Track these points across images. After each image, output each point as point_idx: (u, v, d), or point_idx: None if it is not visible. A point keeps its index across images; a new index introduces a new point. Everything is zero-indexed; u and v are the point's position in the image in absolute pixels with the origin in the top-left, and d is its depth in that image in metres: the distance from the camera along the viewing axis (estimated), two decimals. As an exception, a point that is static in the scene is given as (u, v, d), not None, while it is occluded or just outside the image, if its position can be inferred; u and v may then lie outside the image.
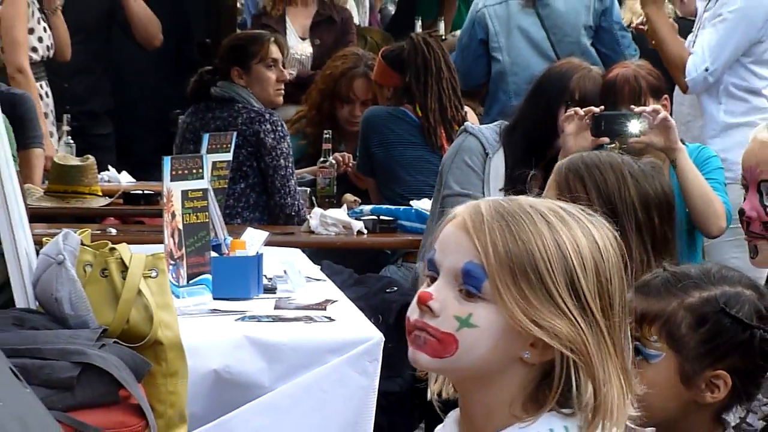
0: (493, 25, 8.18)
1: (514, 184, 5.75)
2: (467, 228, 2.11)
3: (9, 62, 8.54)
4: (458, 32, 9.73)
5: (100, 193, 7.72)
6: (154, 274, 4.21)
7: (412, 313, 2.13)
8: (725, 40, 6.99)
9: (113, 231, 6.80)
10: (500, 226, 2.09)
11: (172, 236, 5.34)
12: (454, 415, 2.32)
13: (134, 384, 3.77)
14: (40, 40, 8.79)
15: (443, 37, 8.69)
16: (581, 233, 2.15)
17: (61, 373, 3.70)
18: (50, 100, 9.31)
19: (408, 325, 2.14)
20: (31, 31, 8.67)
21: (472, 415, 2.23)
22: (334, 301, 5.54)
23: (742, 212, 3.77)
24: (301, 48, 8.93)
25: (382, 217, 7.02)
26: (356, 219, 6.89)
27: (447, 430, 2.32)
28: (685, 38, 7.39)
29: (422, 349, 2.12)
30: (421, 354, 2.10)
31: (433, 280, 2.12)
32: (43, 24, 8.84)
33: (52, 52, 9.14)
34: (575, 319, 2.05)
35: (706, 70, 6.95)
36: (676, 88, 7.16)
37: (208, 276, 5.34)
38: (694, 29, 7.52)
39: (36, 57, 8.80)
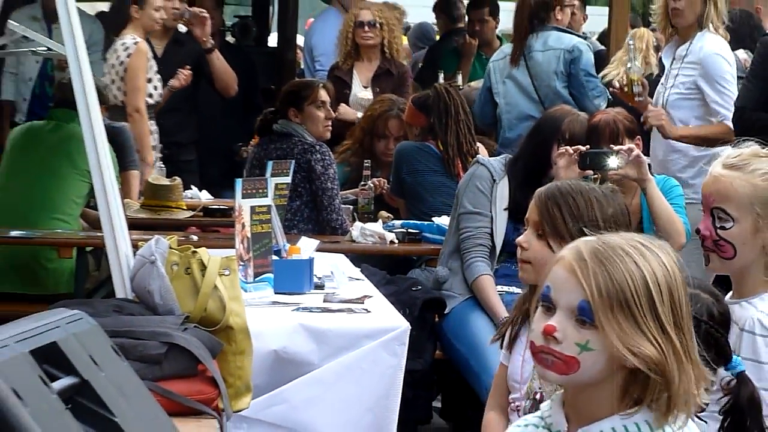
0: (495, 75, 8.41)
1: (515, 205, 5.94)
2: (575, 272, 2.23)
3: (129, 103, 8.67)
4: (473, 83, 9.93)
5: (185, 207, 7.91)
6: (227, 272, 4.24)
7: (537, 339, 2.25)
8: (727, 92, 7.31)
9: (195, 238, 6.85)
10: (600, 269, 2.22)
11: (242, 243, 5.48)
12: (557, 398, 2.42)
13: (210, 360, 3.82)
14: (155, 87, 8.92)
15: (460, 87, 8.81)
16: (657, 263, 2.25)
17: (151, 351, 3.77)
18: (157, 135, 9.43)
19: (533, 348, 2.28)
20: (149, 80, 8.83)
21: (578, 407, 2.33)
22: (370, 297, 5.61)
23: (698, 231, 3.80)
24: (363, 94, 9.02)
25: (409, 230, 7.16)
26: (389, 231, 7.02)
27: (553, 411, 2.42)
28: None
29: (550, 368, 2.26)
30: (551, 372, 2.25)
31: (547, 310, 2.24)
32: (158, 75, 8.99)
33: (161, 98, 9.35)
34: (656, 339, 2.18)
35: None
36: (653, 130, 7.15)
37: (270, 275, 5.42)
38: (663, 81, 7.48)
39: (150, 101, 8.95)
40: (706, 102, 6.82)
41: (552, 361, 2.23)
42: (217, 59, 9.49)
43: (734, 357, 3.29)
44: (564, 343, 2.20)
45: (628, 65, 7.37)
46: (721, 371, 3.19)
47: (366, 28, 9.14)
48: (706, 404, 2.59)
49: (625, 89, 7.14)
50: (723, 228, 3.57)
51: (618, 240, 2.32)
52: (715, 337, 3.15)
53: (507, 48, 8.74)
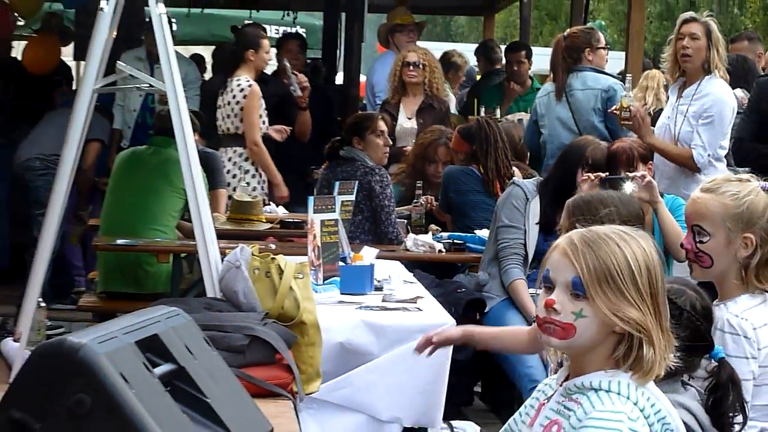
0: (540, 109, 8.57)
1: (545, 219, 6.09)
2: (568, 254, 2.44)
3: (248, 138, 8.86)
4: (509, 116, 10.23)
5: (264, 221, 7.97)
6: (300, 276, 4.30)
7: (541, 312, 2.47)
8: (714, 134, 7.18)
9: (273, 246, 6.77)
10: (588, 251, 2.44)
11: (313, 251, 5.56)
12: (565, 366, 2.66)
13: (286, 350, 3.91)
14: (264, 122, 9.10)
15: (499, 120, 8.95)
16: (636, 246, 2.44)
17: (236, 342, 3.82)
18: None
19: (538, 320, 2.50)
20: (260, 116, 9.00)
21: (576, 368, 2.54)
22: (422, 297, 5.63)
23: (682, 245, 3.99)
24: (408, 125, 9.28)
25: (455, 241, 7.32)
26: (438, 242, 7.18)
27: (561, 372, 2.66)
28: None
29: (552, 335, 2.46)
30: (553, 339, 2.45)
31: (548, 289, 2.45)
32: (265, 111, 9.19)
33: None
34: (638, 305, 2.38)
35: (710, 155, 7.15)
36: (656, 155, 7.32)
37: (337, 278, 5.49)
38: (667, 114, 7.63)
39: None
40: None
41: (553, 328, 2.43)
42: (304, 115, 9.77)
43: (716, 346, 3.37)
44: (562, 313, 2.40)
45: (623, 94, 7.70)
46: (704, 362, 3.30)
47: (411, 68, 9.34)
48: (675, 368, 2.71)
49: (617, 113, 7.41)
50: (701, 242, 3.66)
51: (604, 229, 2.55)
52: (695, 324, 3.21)
53: (549, 86, 8.81)
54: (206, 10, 15.97)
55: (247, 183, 9.22)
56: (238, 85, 9.06)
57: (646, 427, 2.41)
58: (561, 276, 2.42)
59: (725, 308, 3.56)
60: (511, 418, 2.89)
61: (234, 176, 9.27)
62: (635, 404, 2.39)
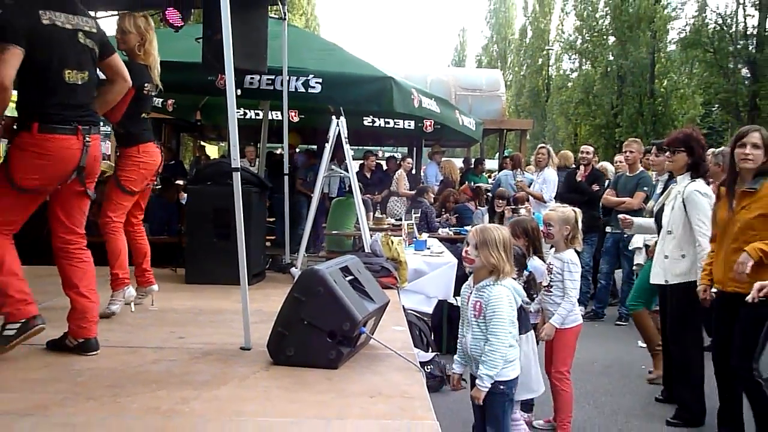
0: None
1: None
2: (473, 233, 3.64)
3: None
4: None
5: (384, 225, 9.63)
6: (399, 242, 6.22)
7: (463, 254, 3.63)
8: (551, 188, 9.51)
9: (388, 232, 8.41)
10: (480, 233, 3.62)
11: (406, 235, 7.40)
12: (470, 279, 3.73)
13: (394, 270, 5.96)
14: None
15: None
16: (503, 233, 3.64)
17: (375, 267, 5.69)
18: None
19: (464, 258, 3.64)
20: None
21: (477, 279, 3.63)
22: (443, 252, 7.35)
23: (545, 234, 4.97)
24: None
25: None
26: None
27: (469, 283, 3.74)
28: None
29: (467, 264, 3.63)
30: (467, 265, 3.63)
31: (467, 245, 3.63)
32: None
33: None
34: (496, 255, 3.56)
35: (549, 198, 9.29)
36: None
37: (413, 245, 7.22)
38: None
39: None
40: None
41: (466, 260, 3.65)
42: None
43: (528, 266, 4.78)
44: (471, 255, 3.63)
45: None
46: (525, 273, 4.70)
47: None
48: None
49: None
50: (549, 230, 4.83)
51: (492, 226, 3.75)
52: (520, 260, 4.50)
53: None
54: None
55: None
56: None
57: (511, 294, 3.66)
58: (471, 242, 3.65)
59: (557, 255, 4.84)
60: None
61: None
62: (505, 287, 3.64)
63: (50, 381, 3.38)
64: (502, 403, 3.66)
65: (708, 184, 5.38)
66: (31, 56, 3.60)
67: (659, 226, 5.59)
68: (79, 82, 3.82)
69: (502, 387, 3.61)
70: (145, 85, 4.95)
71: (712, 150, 6.60)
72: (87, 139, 3.80)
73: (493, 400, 3.62)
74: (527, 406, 4.94)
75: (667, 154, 5.52)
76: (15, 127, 3.72)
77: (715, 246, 4.78)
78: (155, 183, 5.76)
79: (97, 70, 4.06)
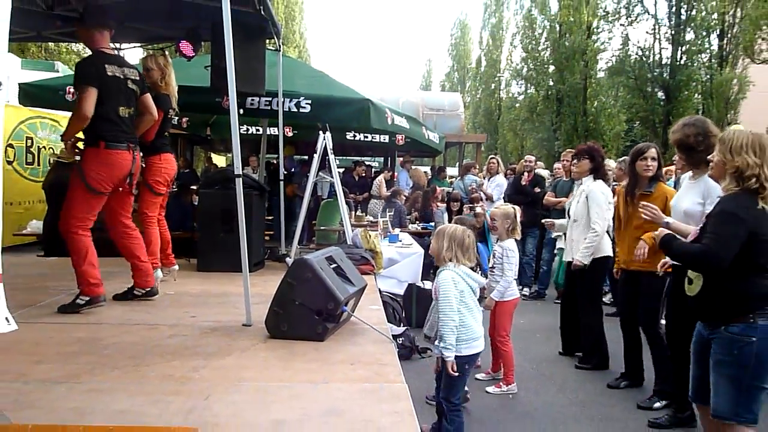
0: None
1: None
2: (437, 233, 3.67)
3: None
4: None
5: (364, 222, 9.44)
6: (375, 236, 6.37)
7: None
8: (500, 192, 9.49)
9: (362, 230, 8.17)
10: (440, 231, 3.62)
11: (380, 230, 7.50)
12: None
13: (371, 260, 6.02)
14: None
15: None
16: (462, 229, 3.63)
17: (356, 256, 5.75)
18: None
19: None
20: None
21: (438, 264, 3.61)
22: (412, 244, 7.35)
23: (494, 227, 5.86)
24: None
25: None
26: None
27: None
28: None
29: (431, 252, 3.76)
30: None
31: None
32: None
33: None
34: (447, 246, 3.54)
35: (499, 199, 9.19)
36: None
37: (387, 238, 7.27)
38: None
39: None
40: None
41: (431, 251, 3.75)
42: None
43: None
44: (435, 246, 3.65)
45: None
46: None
47: None
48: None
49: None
50: (494, 224, 4.99)
51: (448, 225, 3.78)
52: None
53: None
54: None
55: None
56: None
57: (457, 277, 3.57)
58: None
59: (500, 243, 5.00)
60: None
61: None
62: (451, 271, 3.59)
63: (81, 354, 3.39)
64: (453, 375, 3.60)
65: (610, 184, 5.64)
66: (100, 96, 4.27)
67: (569, 218, 5.78)
68: (127, 116, 4.52)
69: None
70: (169, 111, 5.27)
71: (624, 158, 6.70)
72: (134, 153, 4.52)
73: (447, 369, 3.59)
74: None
75: (575, 161, 5.75)
76: (80, 146, 4.43)
77: (619, 234, 5.01)
78: (173, 187, 6.00)
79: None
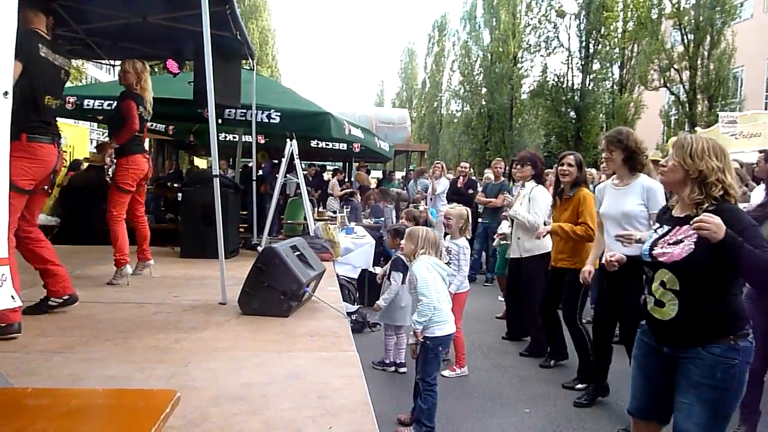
0: None
1: None
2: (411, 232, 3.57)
3: None
4: None
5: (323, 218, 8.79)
6: (334, 229, 6.26)
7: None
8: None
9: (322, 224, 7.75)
10: (411, 231, 3.56)
11: (339, 225, 7.37)
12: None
13: (330, 249, 5.77)
14: None
15: None
16: (423, 230, 3.51)
17: (318, 247, 5.51)
18: None
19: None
20: None
21: (410, 258, 3.56)
22: (365, 235, 7.26)
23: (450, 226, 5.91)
24: None
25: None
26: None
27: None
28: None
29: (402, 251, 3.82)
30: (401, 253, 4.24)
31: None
32: None
33: None
34: (415, 245, 3.46)
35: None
36: None
37: (344, 230, 7.19)
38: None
39: None
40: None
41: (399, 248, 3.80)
42: None
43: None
44: (405, 247, 3.54)
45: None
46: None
47: None
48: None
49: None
50: (449, 222, 4.58)
51: (423, 228, 3.64)
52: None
53: None
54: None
55: None
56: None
57: (428, 265, 3.45)
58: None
59: (453, 240, 4.58)
60: None
61: None
62: (421, 260, 3.45)
63: (77, 328, 3.30)
64: (426, 353, 3.47)
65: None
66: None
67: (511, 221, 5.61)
68: (54, 107, 3.48)
69: (428, 342, 3.44)
70: (138, 107, 4.67)
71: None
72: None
73: (423, 351, 3.47)
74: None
75: (519, 166, 5.53)
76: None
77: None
78: (149, 186, 5.53)
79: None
